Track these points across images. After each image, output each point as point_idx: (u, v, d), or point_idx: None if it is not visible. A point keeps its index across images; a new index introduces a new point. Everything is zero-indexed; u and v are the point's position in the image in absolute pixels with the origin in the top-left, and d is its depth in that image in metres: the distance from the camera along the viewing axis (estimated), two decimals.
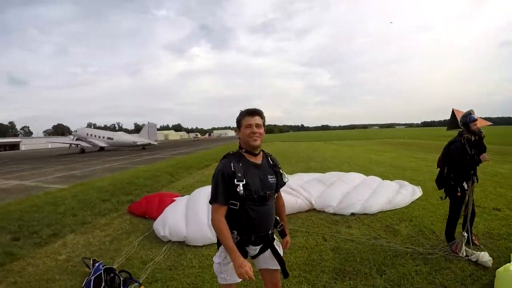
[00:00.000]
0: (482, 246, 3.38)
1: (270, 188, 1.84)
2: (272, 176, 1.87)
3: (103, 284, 2.79)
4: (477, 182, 3.34)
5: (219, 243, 1.86)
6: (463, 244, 3.21)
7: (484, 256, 3.03)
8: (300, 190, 5.33)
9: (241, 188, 1.70)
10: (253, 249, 1.89)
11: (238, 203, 1.75)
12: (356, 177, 6.25)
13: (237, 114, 1.89)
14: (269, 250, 1.92)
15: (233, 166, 1.75)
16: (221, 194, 1.74)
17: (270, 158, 1.96)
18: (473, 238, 3.47)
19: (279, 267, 1.96)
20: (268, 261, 1.96)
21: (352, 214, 4.82)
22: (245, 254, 1.84)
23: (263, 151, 1.95)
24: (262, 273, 2.05)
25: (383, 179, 6.42)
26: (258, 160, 1.87)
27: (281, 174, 1.95)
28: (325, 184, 5.73)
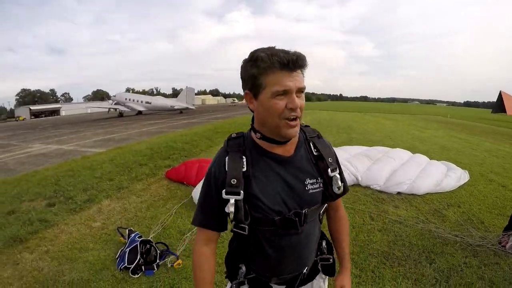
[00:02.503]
0: None
1: (309, 201, 1.00)
2: (313, 179, 1.01)
3: (138, 256, 2.61)
4: None
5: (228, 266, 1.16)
6: None
7: None
8: (346, 165, 4.98)
9: (232, 207, 0.93)
10: None
11: (247, 227, 0.98)
12: (403, 154, 5.75)
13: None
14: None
15: (228, 163, 0.96)
16: (201, 210, 1.04)
17: (313, 143, 1.04)
18: None
19: None
20: None
21: (399, 193, 4.46)
22: None
23: (301, 128, 1.06)
24: None
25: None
26: (287, 150, 1.00)
27: (331, 177, 1.01)
28: (371, 159, 5.31)
